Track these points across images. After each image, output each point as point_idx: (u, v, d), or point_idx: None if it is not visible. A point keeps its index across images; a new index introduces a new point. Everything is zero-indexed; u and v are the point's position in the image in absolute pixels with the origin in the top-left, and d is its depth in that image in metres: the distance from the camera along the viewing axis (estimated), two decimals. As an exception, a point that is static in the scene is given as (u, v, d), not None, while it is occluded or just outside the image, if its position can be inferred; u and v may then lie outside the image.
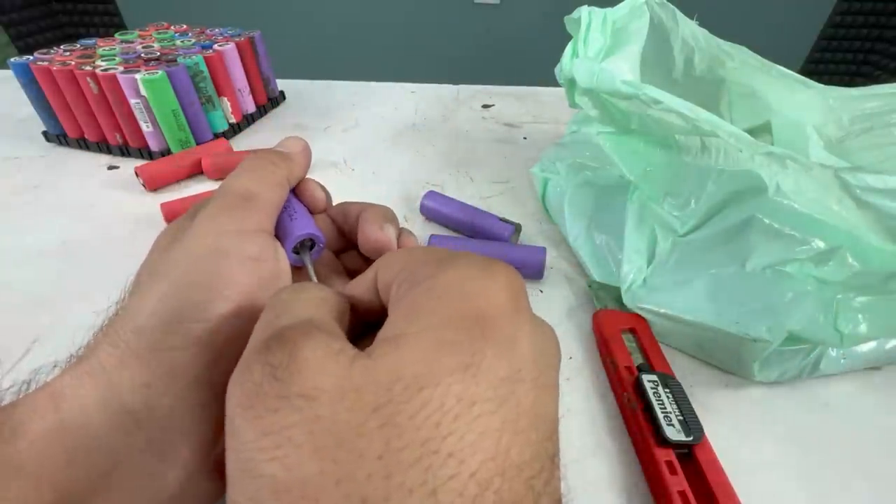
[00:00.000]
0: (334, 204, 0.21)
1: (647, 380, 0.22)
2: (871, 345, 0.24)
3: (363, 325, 0.15)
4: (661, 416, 0.20)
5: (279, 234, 0.18)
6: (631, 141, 0.31)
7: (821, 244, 0.22)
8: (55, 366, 0.14)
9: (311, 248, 0.18)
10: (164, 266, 0.15)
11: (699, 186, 0.26)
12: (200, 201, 0.17)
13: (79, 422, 0.12)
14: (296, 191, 0.20)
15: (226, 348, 0.14)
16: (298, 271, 0.19)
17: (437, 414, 0.09)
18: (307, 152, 0.20)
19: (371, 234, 0.18)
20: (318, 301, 0.13)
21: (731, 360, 0.24)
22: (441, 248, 0.14)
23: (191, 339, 0.13)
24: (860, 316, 0.23)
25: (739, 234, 0.24)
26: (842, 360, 0.23)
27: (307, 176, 0.20)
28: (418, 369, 0.09)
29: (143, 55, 0.43)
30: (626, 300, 0.26)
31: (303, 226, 0.18)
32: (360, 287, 0.14)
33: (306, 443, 0.09)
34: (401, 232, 0.19)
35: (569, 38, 0.30)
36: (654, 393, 0.21)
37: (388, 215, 0.19)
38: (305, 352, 0.10)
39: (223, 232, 0.15)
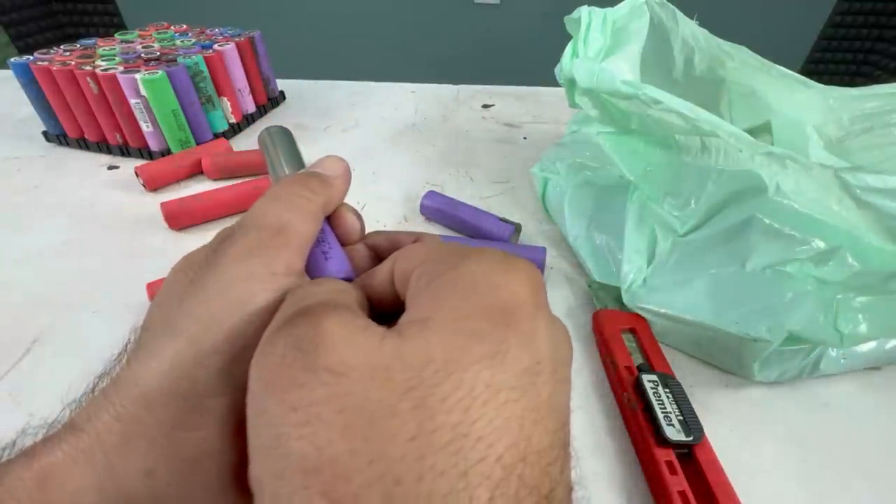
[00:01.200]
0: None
1: (647, 380, 0.22)
2: (871, 345, 0.24)
3: (376, 316, 0.14)
4: (661, 416, 0.20)
5: (309, 270, 0.16)
6: (631, 141, 0.31)
7: (821, 244, 0.22)
8: (44, 428, 0.12)
9: None
10: (180, 318, 0.12)
11: (699, 186, 0.26)
12: (224, 231, 0.14)
13: None
14: (329, 218, 0.18)
15: None
16: None
17: (467, 399, 0.09)
18: (347, 176, 0.17)
19: None
20: (338, 290, 0.12)
21: (731, 360, 0.24)
22: (459, 242, 0.13)
23: (212, 418, 0.12)
24: (860, 316, 0.23)
25: (739, 234, 0.24)
26: (842, 360, 0.23)
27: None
28: (449, 354, 0.09)
29: (143, 55, 0.43)
30: (626, 300, 0.26)
31: (338, 267, 0.16)
32: (375, 278, 0.14)
33: (336, 421, 0.09)
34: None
35: (569, 38, 0.30)
36: (654, 393, 0.21)
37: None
38: (331, 325, 0.10)
39: (253, 277, 0.13)
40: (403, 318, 0.11)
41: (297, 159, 0.19)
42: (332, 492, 0.08)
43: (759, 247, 0.23)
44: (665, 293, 0.25)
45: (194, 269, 0.13)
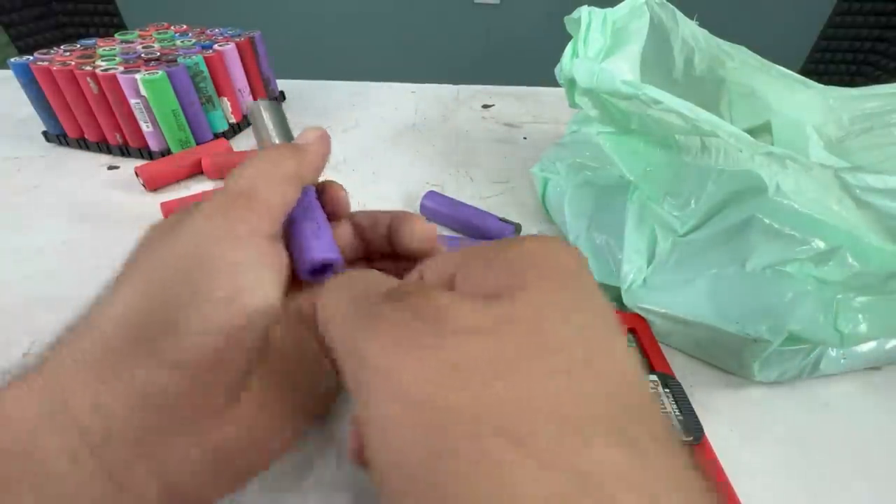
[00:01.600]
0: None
1: (648, 380, 0.22)
2: (871, 345, 0.24)
3: None
4: (661, 416, 0.20)
5: (295, 244, 0.16)
6: (631, 141, 0.31)
7: (821, 244, 0.22)
8: (5, 373, 0.13)
9: (328, 268, 0.17)
10: (144, 265, 0.13)
11: (699, 186, 0.26)
12: (205, 194, 0.16)
13: (21, 447, 0.11)
14: (320, 196, 0.19)
15: (203, 374, 0.12)
16: (306, 285, 0.18)
17: (579, 338, 0.10)
18: (324, 140, 0.18)
19: (419, 225, 0.18)
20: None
21: (731, 360, 0.24)
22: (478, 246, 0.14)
23: (161, 361, 0.12)
24: (860, 316, 0.23)
25: (739, 234, 0.24)
26: (842, 360, 0.23)
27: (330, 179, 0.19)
28: (547, 307, 0.10)
29: (143, 55, 0.43)
30: (626, 300, 0.26)
31: (325, 247, 0.16)
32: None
33: (487, 370, 0.09)
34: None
35: (569, 37, 0.30)
36: (653, 393, 0.21)
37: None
38: (441, 299, 0.11)
39: (216, 236, 0.13)
40: (481, 281, 0.11)
41: (284, 131, 0.19)
42: (506, 430, 0.09)
43: (759, 247, 0.23)
44: (665, 293, 0.25)
45: (168, 225, 0.14)
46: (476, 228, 0.33)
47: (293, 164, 0.16)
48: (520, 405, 0.09)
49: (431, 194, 0.35)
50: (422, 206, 0.35)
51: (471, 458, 0.08)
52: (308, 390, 0.17)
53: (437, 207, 0.35)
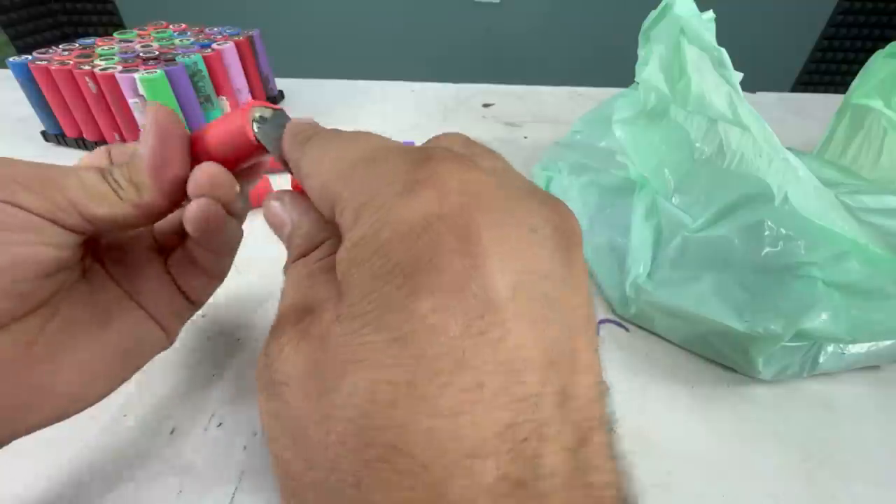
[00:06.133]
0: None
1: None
2: (871, 344, 0.24)
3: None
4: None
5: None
6: (647, 134, 0.31)
7: (828, 249, 0.22)
8: None
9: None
10: None
11: (712, 186, 0.26)
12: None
13: None
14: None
15: None
16: None
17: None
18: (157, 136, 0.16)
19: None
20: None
21: (735, 355, 0.24)
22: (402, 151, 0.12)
23: None
24: (864, 317, 0.23)
25: (751, 234, 0.24)
26: (841, 356, 0.24)
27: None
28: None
29: (141, 54, 0.43)
30: (630, 293, 0.26)
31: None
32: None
33: (278, 436, 0.11)
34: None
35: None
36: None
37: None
38: (280, 338, 0.11)
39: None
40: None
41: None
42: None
43: (768, 248, 0.23)
44: (671, 288, 0.25)
45: None
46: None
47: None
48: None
49: None
50: None
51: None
52: (104, 342, 0.17)
53: None
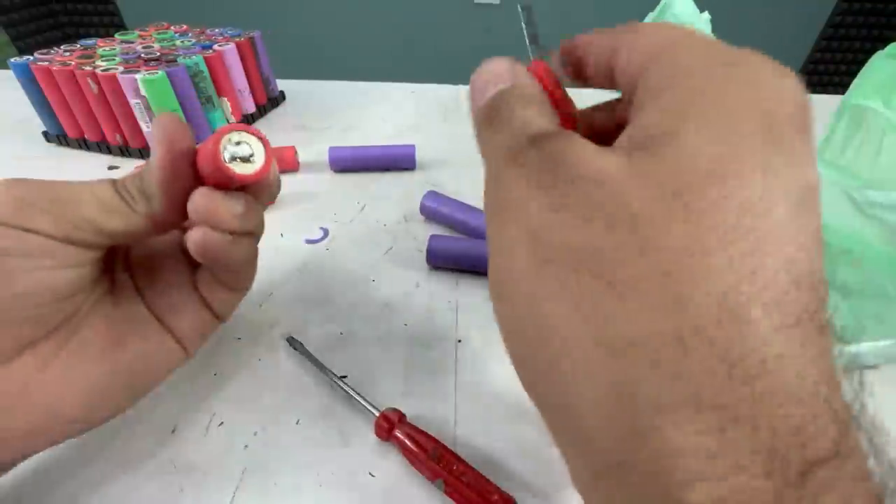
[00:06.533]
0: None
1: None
2: (871, 344, 0.24)
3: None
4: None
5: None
6: None
7: (830, 248, 0.22)
8: None
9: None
10: None
11: None
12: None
13: None
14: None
15: None
16: None
17: (738, 207, 0.08)
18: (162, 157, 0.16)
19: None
20: (538, 106, 0.12)
21: None
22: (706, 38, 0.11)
23: None
24: (864, 317, 0.23)
25: None
26: (841, 356, 0.24)
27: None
28: (713, 165, 0.09)
29: (143, 55, 0.43)
30: None
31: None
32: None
33: (597, 217, 0.09)
34: None
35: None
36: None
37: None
38: (575, 145, 0.10)
39: None
40: (641, 127, 0.10)
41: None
42: (604, 274, 0.09)
43: None
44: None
45: None
46: (477, 229, 0.33)
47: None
48: (622, 259, 0.08)
49: (431, 194, 0.35)
50: (422, 206, 0.35)
51: (573, 293, 0.09)
52: (119, 363, 0.17)
53: (437, 207, 0.34)
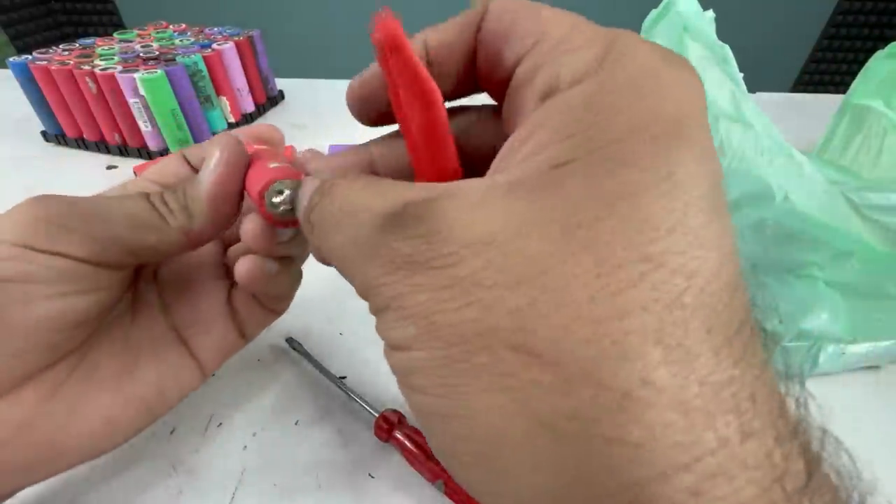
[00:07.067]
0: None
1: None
2: (871, 344, 0.24)
3: None
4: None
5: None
6: None
7: (829, 249, 0.22)
8: None
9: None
10: None
11: None
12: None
13: None
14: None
15: None
16: None
17: (645, 230, 0.08)
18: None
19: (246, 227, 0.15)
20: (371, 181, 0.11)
21: None
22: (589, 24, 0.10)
23: None
24: (864, 317, 0.23)
25: (750, 234, 0.24)
26: (842, 356, 0.24)
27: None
28: (602, 191, 0.08)
29: (141, 54, 0.43)
30: None
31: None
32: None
33: (499, 281, 0.08)
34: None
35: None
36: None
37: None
38: (449, 211, 0.09)
39: None
40: (531, 157, 0.09)
41: None
42: (522, 344, 0.07)
43: (770, 248, 0.23)
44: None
45: None
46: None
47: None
48: (541, 313, 0.07)
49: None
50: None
51: (489, 371, 0.08)
52: (130, 390, 0.16)
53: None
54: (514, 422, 0.08)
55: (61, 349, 0.15)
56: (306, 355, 0.24)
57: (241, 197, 0.16)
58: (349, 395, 0.22)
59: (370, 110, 0.14)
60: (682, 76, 0.09)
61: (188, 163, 0.18)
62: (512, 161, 0.09)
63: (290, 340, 0.25)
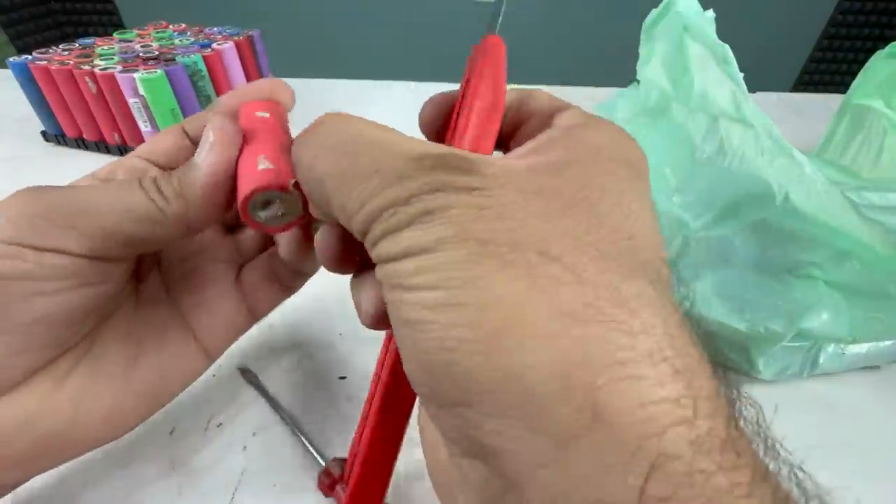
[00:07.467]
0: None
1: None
2: (871, 344, 0.24)
3: None
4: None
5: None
6: (648, 133, 0.31)
7: (829, 249, 0.22)
8: None
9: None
10: None
11: (713, 186, 0.26)
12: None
13: None
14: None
15: None
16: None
17: (623, 211, 0.11)
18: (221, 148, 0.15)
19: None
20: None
21: (736, 354, 0.24)
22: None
23: None
24: (864, 317, 0.23)
25: (750, 234, 0.24)
26: (842, 356, 0.24)
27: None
28: (601, 187, 0.11)
29: (141, 54, 0.43)
30: None
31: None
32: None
33: (527, 212, 0.10)
34: None
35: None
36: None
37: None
38: (485, 163, 0.10)
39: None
40: (535, 155, 0.12)
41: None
42: (547, 251, 0.09)
43: (770, 248, 0.23)
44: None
45: None
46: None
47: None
48: (561, 238, 0.09)
49: None
50: None
51: (515, 265, 0.09)
52: (135, 379, 0.16)
53: None
54: (534, 306, 0.09)
55: (65, 343, 0.15)
56: (260, 389, 0.23)
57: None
58: (300, 439, 0.21)
59: (438, 129, 0.16)
60: (633, 143, 0.13)
61: (188, 136, 0.18)
62: (522, 157, 0.12)
63: (244, 371, 0.24)
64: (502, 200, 0.10)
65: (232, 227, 0.20)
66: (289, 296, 0.20)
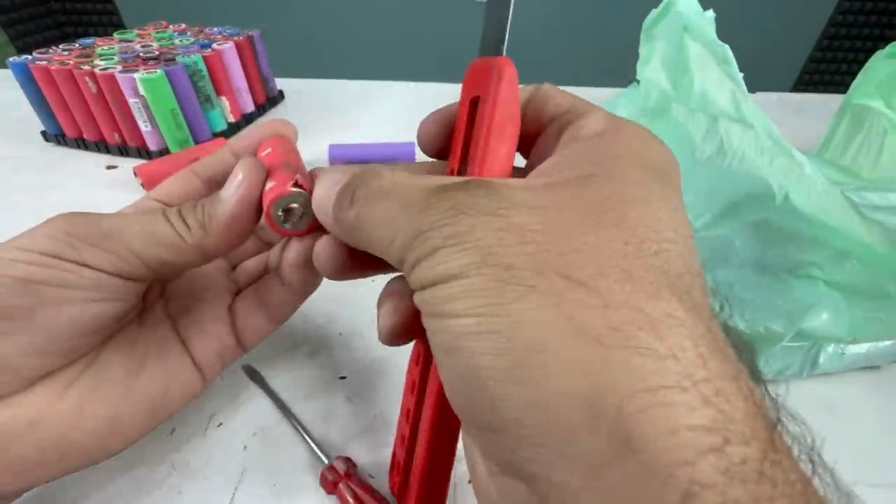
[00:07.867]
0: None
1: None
2: (871, 344, 0.24)
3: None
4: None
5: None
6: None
7: (829, 249, 0.22)
8: None
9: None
10: None
11: (712, 186, 0.26)
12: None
13: None
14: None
15: None
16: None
17: (653, 222, 0.10)
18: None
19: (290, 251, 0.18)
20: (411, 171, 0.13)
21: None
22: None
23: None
24: (864, 317, 0.23)
25: (750, 234, 0.24)
26: (842, 356, 0.24)
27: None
28: (619, 192, 0.11)
29: (141, 54, 0.43)
30: None
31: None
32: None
33: (549, 233, 0.10)
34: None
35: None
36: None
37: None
38: (503, 186, 0.11)
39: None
40: (557, 171, 0.12)
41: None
42: (571, 275, 0.09)
43: (770, 248, 0.23)
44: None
45: None
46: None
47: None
48: (585, 258, 0.09)
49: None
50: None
51: (539, 291, 0.09)
52: (136, 391, 0.17)
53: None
54: (559, 333, 0.09)
55: (79, 351, 0.16)
56: (265, 387, 0.23)
57: (259, 215, 0.17)
58: (304, 437, 0.21)
59: (439, 145, 0.17)
60: (661, 145, 0.13)
61: (198, 177, 0.20)
62: (544, 175, 0.12)
63: (247, 369, 0.24)
64: (525, 222, 0.10)
65: (231, 258, 0.22)
66: (274, 329, 0.21)
